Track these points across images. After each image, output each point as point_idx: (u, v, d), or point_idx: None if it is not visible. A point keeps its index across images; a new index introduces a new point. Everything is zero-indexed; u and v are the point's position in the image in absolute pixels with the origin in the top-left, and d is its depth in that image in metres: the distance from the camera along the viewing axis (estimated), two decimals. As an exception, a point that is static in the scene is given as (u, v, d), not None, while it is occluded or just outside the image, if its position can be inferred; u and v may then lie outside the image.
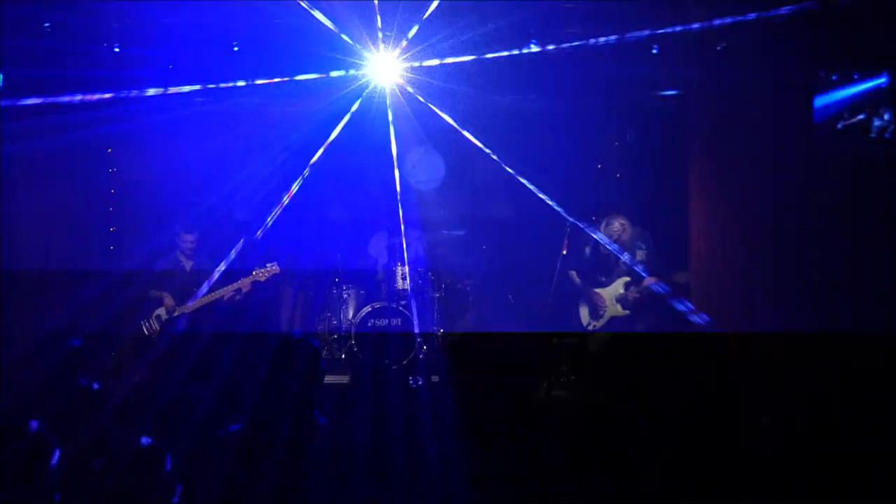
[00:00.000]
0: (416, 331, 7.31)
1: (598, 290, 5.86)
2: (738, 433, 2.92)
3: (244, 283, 6.29)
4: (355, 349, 7.31)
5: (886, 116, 6.16)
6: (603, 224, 5.94)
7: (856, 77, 6.39)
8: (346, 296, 7.80)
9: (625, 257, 5.85)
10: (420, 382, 5.66)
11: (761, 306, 6.43)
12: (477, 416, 2.96)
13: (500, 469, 2.72)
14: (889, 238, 5.95)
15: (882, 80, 6.14)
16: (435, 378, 4.47)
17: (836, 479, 2.57)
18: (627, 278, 5.79)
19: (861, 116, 6.39)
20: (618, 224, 5.83)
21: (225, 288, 6.31)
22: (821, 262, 6.20)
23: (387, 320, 7.33)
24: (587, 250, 5.99)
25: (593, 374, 5.61)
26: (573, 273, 6.05)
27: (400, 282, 7.56)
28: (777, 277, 6.39)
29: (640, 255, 5.84)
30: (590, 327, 5.92)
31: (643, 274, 5.79)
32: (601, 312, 5.84)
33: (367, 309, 7.40)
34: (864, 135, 6.27)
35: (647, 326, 5.76)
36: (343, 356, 7.56)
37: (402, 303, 7.48)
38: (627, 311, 5.77)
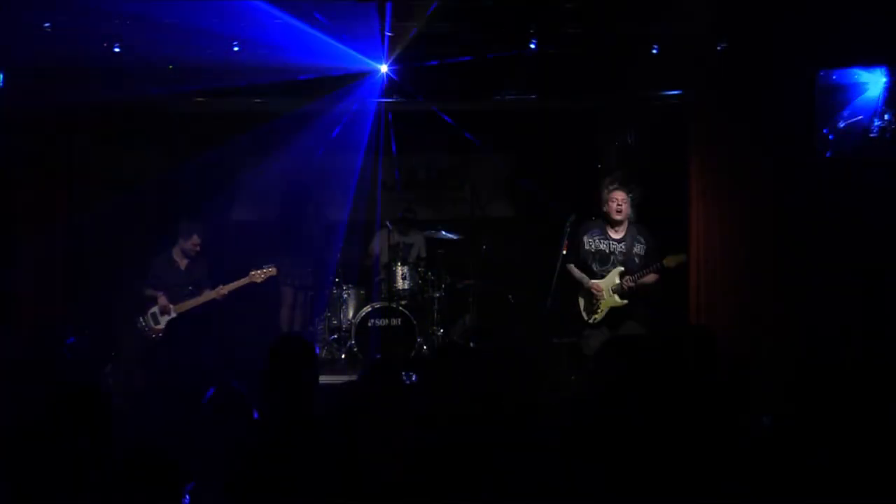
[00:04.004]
0: (416, 331, 7.31)
1: (595, 282, 5.82)
2: (737, 433, 2.92)
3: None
4: (355, 349, 7.31)
5: (886, 116, 6.15)
6: (606, 189, 5.83)
7: (856, 77, 6.39)
8: (346, 296, 7.81)
9: (620, 247, 5.81)
10: (413, 378, 5.62)
11: (763, 308, 6.43)
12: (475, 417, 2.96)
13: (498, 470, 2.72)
14: (890, 238, 5.95)
15: (882, 80, 6.14)
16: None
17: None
18: (622, 268, 5.76)
19: (861, 116, 6.39)
20: (621, 197, 5.75)
21: (210, 292, 6.33)
22: (821, 262, 6.20)
23: (387, 320, 7.33)
24: (586, 242, 5.90)
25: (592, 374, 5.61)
26: (571, 266, 6.00)
27: (400, 282, 7.56)
28: (778, 279, 6.39)
29: (637, 248, 5.81)
30: (591, 320, 5.86)
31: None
32: (598, 304, 5.82)
33: (367, 309, 7.40)
34: (864, 135, 6.27)
35: (643, 315, 5.77)
36: (343, 356, 7.57)
37: (402, 303, 7.48)
38: (625, 301, 5.74)
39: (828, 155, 6.31)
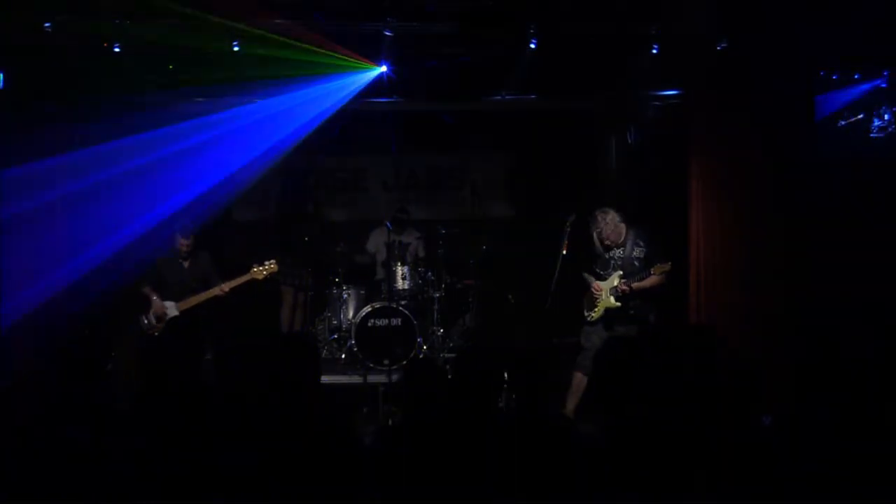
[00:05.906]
0: (416, 331, 7.30)
1: (597, 282, 5.99)
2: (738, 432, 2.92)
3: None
4: (355, 349, 7.30)
5: (886, 116, 6.17)
6: (593, 221, 6.02)
7: (856, 77, 6.40)
8: (346, 296, 7.81)
9: (618, 252, 5.97)
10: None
11: (763, 308, 6.43)
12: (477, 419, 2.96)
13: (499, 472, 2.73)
14: (889, 237, 5.96)
15: (882, 80, 6.15)
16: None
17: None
18: (621, 272, 5.91)
19: (861, 116, 6.40)
20: (600, 219, 5.93)
21: (214, 289, 6.34)
22: (821, 261, 6.21)
23: (387, 320, 7.32)
24: (596, 239, 6.07)
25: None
26: (585, 274, 6.16)
27: (400, 282, 7.55)
28: (778, 278, 6.39)
29: (637, 252, 5.94)
30: (588, 317, 6.04)
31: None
32: (596, 303, 5.98)
33: (368, 309, 7.39)
34: (864, 135, 6.27)
35: (636, 314, 5.90)
36: (343, 356, 7.56)
37: (402, 303, 7.47)
38: (619, 304, 5.92)
39: (827, 155, 6.32)
